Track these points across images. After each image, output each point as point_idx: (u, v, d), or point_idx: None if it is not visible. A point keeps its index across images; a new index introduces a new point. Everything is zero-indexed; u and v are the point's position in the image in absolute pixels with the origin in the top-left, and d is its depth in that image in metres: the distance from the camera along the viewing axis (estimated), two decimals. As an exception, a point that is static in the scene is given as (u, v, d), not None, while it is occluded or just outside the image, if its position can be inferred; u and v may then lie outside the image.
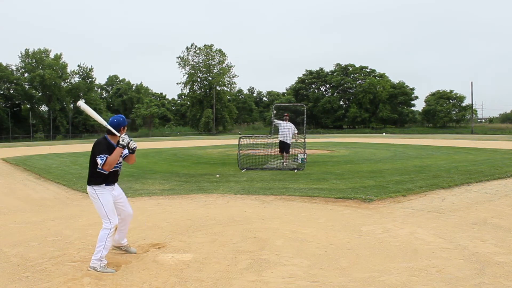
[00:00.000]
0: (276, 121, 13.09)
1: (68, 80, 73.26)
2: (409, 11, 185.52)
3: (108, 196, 4.00)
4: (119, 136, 3.97)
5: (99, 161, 3.84)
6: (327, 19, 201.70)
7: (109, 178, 4.03)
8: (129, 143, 3.99)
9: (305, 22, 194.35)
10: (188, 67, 79.55)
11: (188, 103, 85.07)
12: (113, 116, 4.16)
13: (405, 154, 18.17)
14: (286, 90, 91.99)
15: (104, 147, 3.93)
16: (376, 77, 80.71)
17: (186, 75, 79.77)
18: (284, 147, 12.95)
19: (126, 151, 4.18)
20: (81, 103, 4.08)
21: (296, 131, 13.04)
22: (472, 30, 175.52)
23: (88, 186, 4.05)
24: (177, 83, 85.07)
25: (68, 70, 72.22)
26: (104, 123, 4.05)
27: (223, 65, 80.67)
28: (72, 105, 69.11)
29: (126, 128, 4.13)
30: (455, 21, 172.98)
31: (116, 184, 4.21)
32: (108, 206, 3.98)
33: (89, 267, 3.89)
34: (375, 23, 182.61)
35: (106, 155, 3.87)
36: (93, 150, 3.95)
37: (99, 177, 3.96)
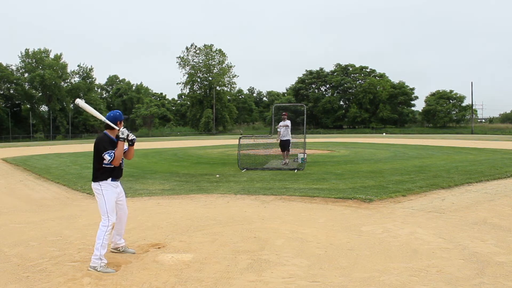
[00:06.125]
0: (278, 128, 13.10)
1: (68, 80, 73.35)
2: (408, 10, 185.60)
3: (112, 193, 4.12)
4: (118, 130, 4.11)
5: (107, 157, 3.96)
6: (327, 19, 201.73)
7: (115, 173, 4.15)
8: (128, 135, 4.14)
9: (305, 21, 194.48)
10: (188, 67, 79.64)
11: (188, 103, 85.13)
12: (110, 111, 4.30)
13: (405, 154, 18.16)
14: (286, 90, 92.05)
15: (107, 142, 4.07)
16: (376, 77, 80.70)
17: (186, 75, 79.89)
18: (284, 145, 12.98)
19: (126, 145, 4.30)
20: (79, 101, 4.22)
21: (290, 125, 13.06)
22: (472, 30, 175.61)
23: (93, 182, 4.13)
24: (177, 83, 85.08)
25: (68, 70, 72.36)
26: (102, 118, 4.17)
27: (223, 65, 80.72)
28: (72, 105, 69.11)
29: (122, 122, 4.25)
30: (455, 21, 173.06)
31: (119, 181, 4.28)
32: (110, 203, 4.09)
33: (89, 267, 3.90)
34: (374, 23, 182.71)
35: (113, 151, 4.01)
36: (96, 148, 4.06)
37: (105, 172, 4.08)
